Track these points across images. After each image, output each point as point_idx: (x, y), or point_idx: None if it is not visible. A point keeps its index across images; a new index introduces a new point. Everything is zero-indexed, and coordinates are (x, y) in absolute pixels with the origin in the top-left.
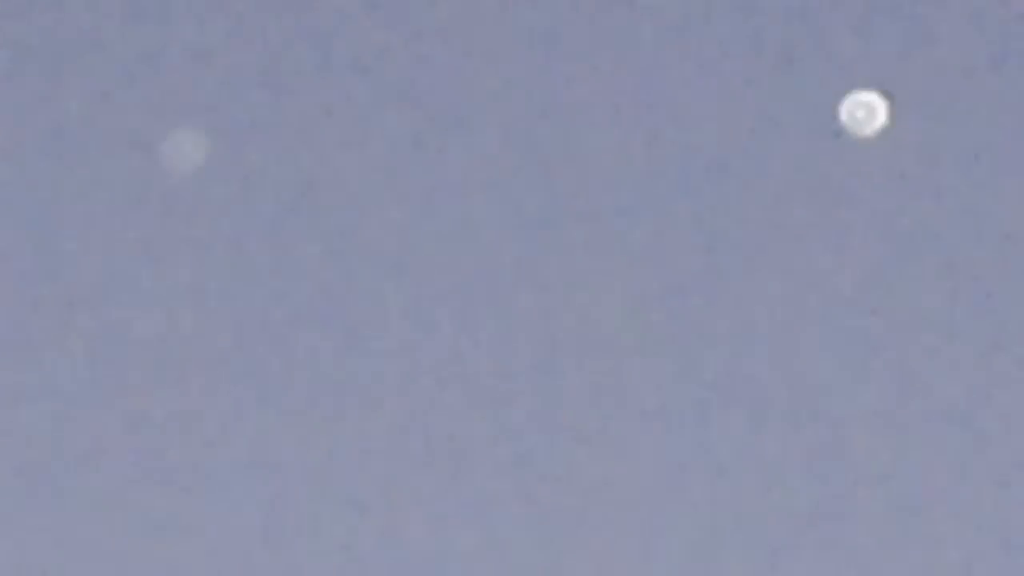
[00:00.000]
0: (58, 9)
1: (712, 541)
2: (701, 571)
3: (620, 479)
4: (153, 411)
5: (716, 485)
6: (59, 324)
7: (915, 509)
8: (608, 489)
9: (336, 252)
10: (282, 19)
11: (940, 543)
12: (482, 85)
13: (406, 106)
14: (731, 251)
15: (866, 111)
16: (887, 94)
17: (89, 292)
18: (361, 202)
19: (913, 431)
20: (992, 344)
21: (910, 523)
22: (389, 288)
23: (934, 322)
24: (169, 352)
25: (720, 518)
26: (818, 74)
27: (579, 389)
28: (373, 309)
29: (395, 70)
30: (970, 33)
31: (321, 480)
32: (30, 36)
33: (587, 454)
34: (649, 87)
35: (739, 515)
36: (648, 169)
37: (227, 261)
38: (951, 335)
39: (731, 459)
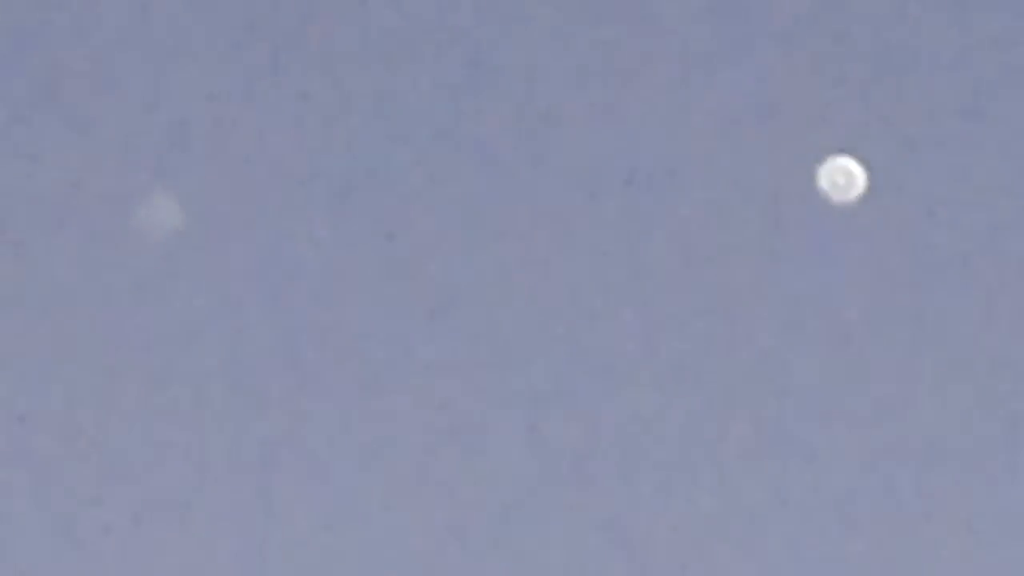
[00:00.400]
0: (33, 65)
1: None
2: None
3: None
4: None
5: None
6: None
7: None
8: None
9: (313, 316)
10: (263, 78)
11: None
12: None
13: (384, 164)
14: (711, 316)
15: (845, 177)
16: (866, 160)
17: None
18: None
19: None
20: (976, 394)
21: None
22: (369, 339)
23: (919, 384)
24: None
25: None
26: (798, 138)
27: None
28: (346, 375)
29: (374, 127)
30: (947, 98)
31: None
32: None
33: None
34: (633, 154)
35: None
36: (632, 246)
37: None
38: (936, 395)
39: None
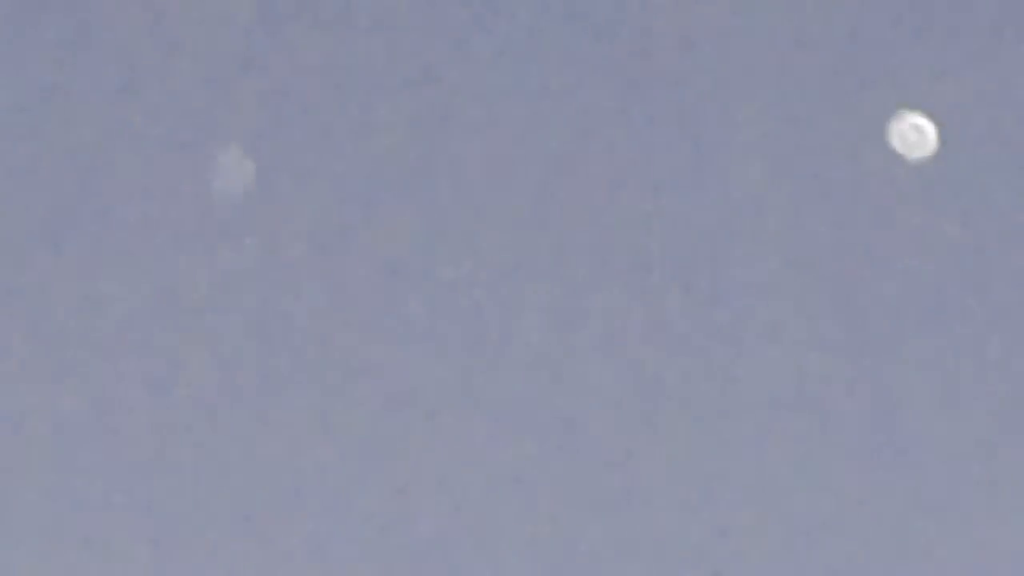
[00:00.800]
0: (105, 33)
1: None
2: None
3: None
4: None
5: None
6: (107, 344)
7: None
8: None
9: (381, 264)
10: (325, 40)
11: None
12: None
13: (453, 120)
14: (780, 272)
15: (918, 133)
16: (937, 117)
17: (136, 313)
18: (404, 217)
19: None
20: None
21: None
22: (436, 296)
23: (980, 345)
24: (209, 370)
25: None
26: (870, 94)
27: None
28: (416, 322)
29: (434, 83)
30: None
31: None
32: (76, 61)
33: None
34: (692, 109)
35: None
36: (693, 195)
37: (280, 283)
38: (993, 359)
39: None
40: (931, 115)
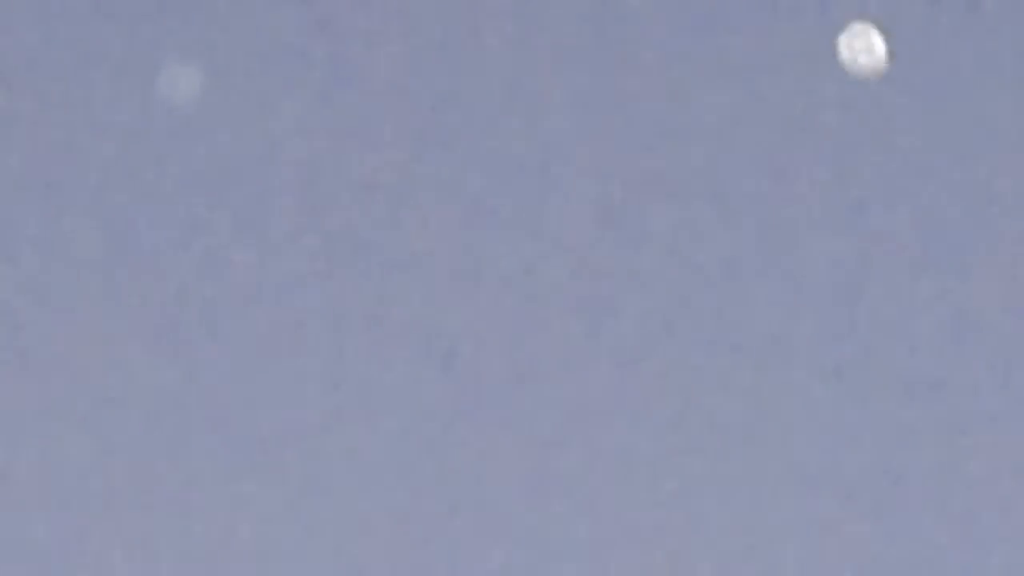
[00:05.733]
0: None
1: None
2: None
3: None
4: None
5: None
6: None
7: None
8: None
9: (332, 193)
10: None
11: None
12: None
13: (406, 51)
14: (729, 200)
15: (866, 46)
16: (885, 28)
17: (90, 230)
18: (357, 144)
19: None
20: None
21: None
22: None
23: (928, 275)
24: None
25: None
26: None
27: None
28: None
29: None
30: None
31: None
32: None
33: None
34: (642, 29)
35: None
36: (640, 109)
37: (226, 196)
38: (945, 290)
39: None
40: (879, 26)
